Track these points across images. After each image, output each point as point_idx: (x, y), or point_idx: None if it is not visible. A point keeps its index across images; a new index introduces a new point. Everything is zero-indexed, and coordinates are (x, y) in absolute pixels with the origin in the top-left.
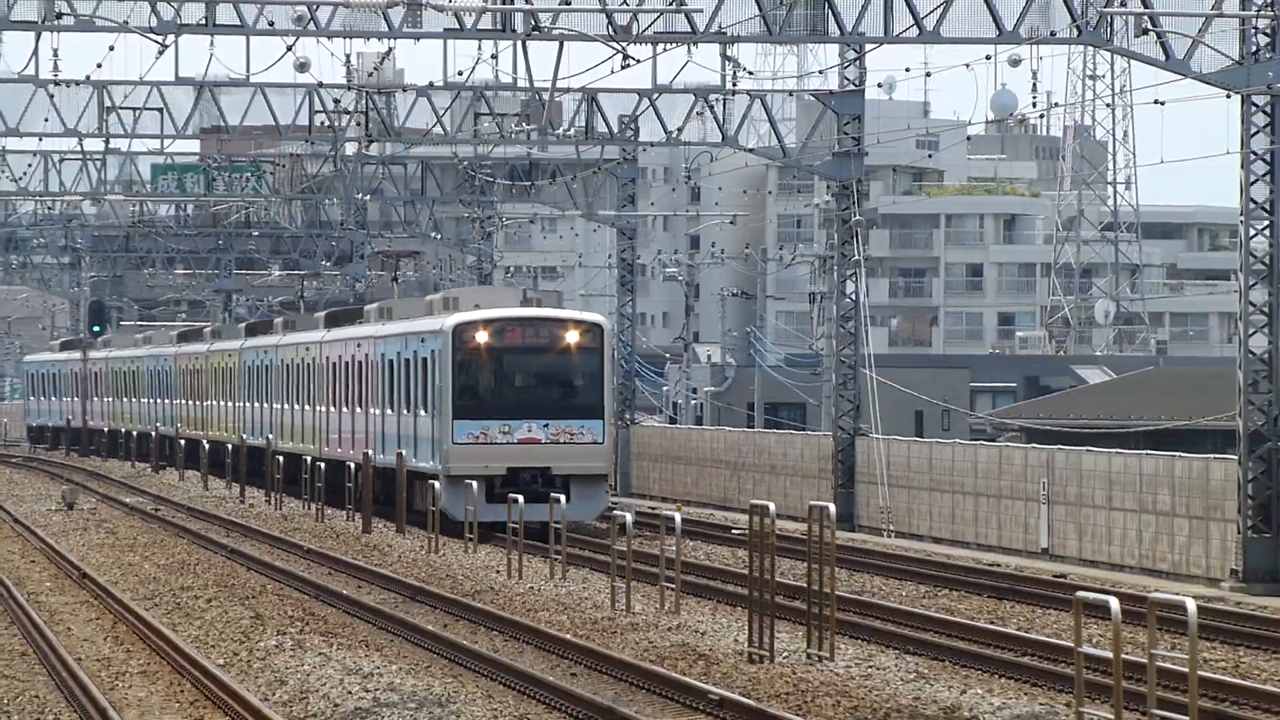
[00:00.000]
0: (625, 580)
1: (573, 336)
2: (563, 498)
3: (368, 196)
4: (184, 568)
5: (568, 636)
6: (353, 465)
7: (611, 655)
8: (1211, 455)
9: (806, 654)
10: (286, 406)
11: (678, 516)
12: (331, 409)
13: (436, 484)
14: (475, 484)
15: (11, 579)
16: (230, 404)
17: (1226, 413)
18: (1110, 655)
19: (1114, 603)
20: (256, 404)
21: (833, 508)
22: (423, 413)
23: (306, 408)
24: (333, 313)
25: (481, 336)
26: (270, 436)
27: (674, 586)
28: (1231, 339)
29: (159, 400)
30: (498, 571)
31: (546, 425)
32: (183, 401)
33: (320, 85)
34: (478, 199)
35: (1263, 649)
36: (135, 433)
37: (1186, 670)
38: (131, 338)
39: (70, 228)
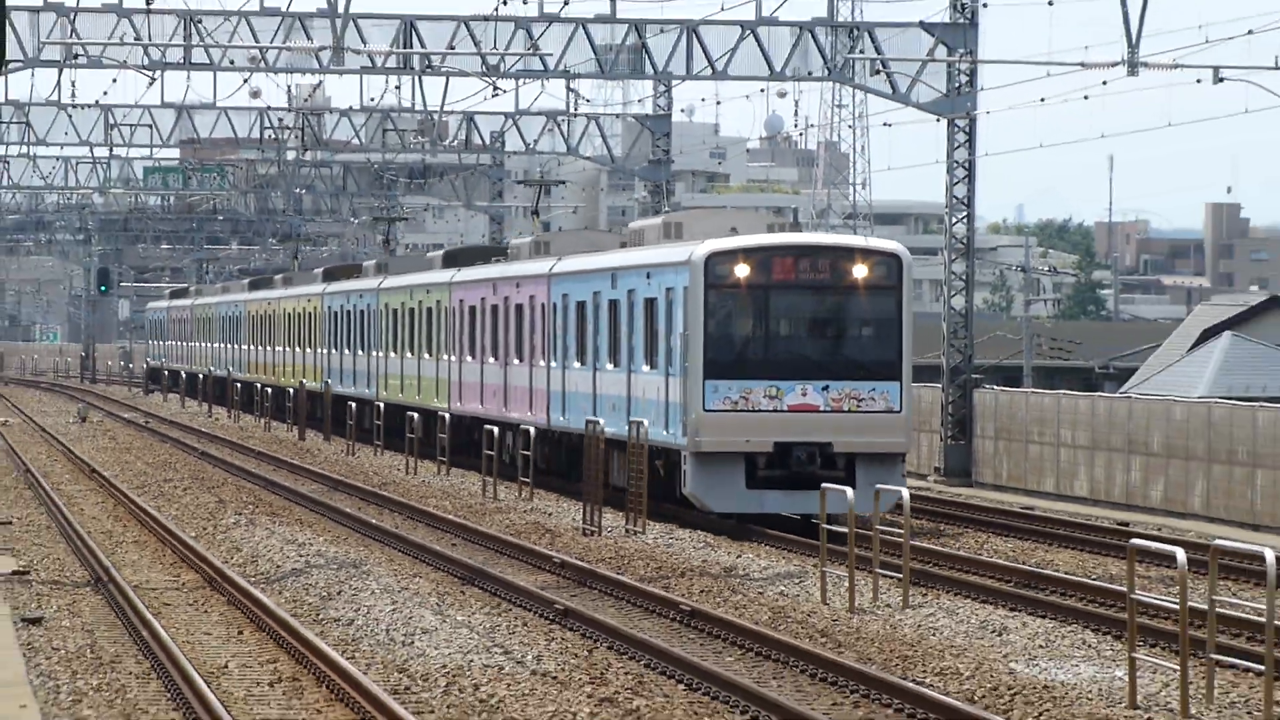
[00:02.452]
0: (493, 477)
1: (861, 271)
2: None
3: (303, 191)
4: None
5: (450, 516)
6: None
7: (482, 530)
8: (923, 384)
9: (626, 530)
10: (393, 356)
11: (532, 431)
12: (468, 359)
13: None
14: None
15: (40, 472)
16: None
17: (933, 352)
18: (845, 531)
19: (850, 492)
20: (346, 352)
21: (647, 424)
22: (645, 369)
23: (425, 357)
24: (451, 252)
25: (742, 270)
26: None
27: (529, 480)
28: (938, 299)
29: (230, 345)
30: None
31: (826, 388)
32: (249, 347)
33: (269, 108)
34: (385, 194)
35: (954, 523)
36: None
37: (900, 541)
38: (216, 286)
39: (83, 214)
